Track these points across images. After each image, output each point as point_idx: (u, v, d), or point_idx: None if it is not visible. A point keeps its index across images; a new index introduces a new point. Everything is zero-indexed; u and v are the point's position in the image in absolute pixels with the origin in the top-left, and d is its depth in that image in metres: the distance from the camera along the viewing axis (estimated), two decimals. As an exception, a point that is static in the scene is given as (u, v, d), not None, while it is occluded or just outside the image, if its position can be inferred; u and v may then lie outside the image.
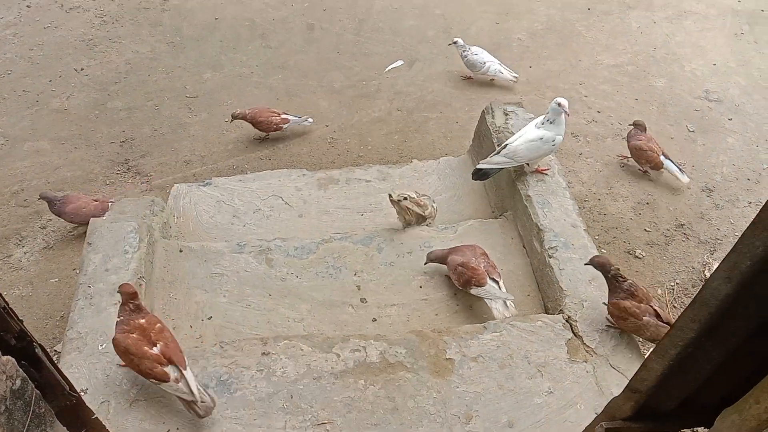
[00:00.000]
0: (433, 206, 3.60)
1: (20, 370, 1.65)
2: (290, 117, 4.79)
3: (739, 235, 1.57)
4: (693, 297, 1.76)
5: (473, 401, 2.49)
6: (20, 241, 4.17)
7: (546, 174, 3.49)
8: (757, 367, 1.66)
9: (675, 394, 1.99)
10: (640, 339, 2.78)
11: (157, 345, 2.44)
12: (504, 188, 3.66)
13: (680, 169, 4.30)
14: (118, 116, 5.20)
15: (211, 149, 4.87)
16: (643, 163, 4.36)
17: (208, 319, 3.06)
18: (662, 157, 4.28)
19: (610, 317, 2.74)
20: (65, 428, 1.95)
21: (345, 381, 2.56)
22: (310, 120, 4.87)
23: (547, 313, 2.92)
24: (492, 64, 5.30)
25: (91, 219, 3.37)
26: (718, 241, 4.02)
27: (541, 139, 3.31)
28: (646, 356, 1.94)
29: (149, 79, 5.59)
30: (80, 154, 4.85)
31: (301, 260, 3.33)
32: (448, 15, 6.36)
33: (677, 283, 3.74)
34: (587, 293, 2.85)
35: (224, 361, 2.61)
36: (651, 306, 2.65)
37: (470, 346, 2.68)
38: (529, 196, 3.34)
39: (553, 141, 3.33)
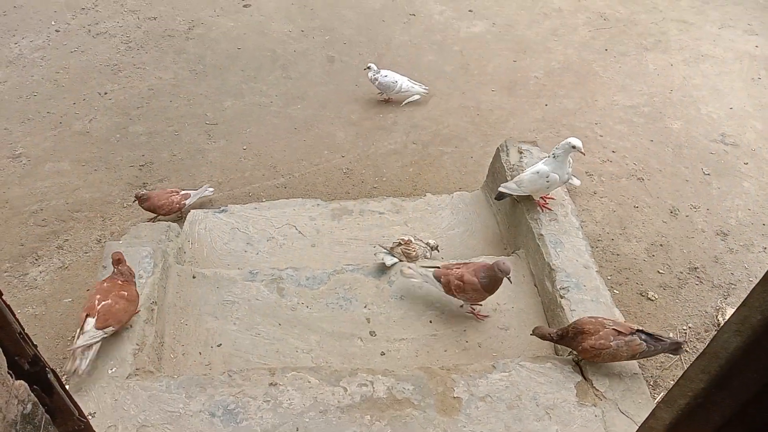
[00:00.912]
0: (424, 248, 3.64)
1: (32, 394, 1.67)
2: (190, 192, 4.43)
3: (753, 284, 1.57)
4: (705, 345, 1.76)
5: (480, 442, 2.47)
6: (36, 260, 4.23)
7: (546, 208, 3.51)
8: (769, 421, 1.64)
9: (684, 444, 1.97)
10: (650, 385, 2.76)
11: (107, 300, 2.73)
12: (517, 226, 3.67)
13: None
14: (138, 140, 5.30)
15: (228, 176, 4.93)
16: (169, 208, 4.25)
17: (218, 346, 3.08)
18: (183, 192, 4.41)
19: (587, 361, 2.77)
20: (72, 453, 1.96)
21: (351, 416, 2.55)
22: (210, 189, 4.56)
23: (557, 355, 2.90)
24: (403, 81, 5.55)
25: (107, 243, 3.43)
26: (732, 286, 3.99)
27: (538, 172, 3.37)
28: (655, 403, 1.92)
29: (170, 105, 5.70)
30: (100, 176, 4.94)
31: (312, 290, 3.35)
32: (465, 52, 6.45)
33: (689, 327, 3.71)
34: (598, 336, 2.83)
35: (232, 390, 2.61)
36: (606, 327, 2.68)
37: (478, 385, 2.66)
38: (542, 235, 3.34)
39: (547, 177, 3.36)
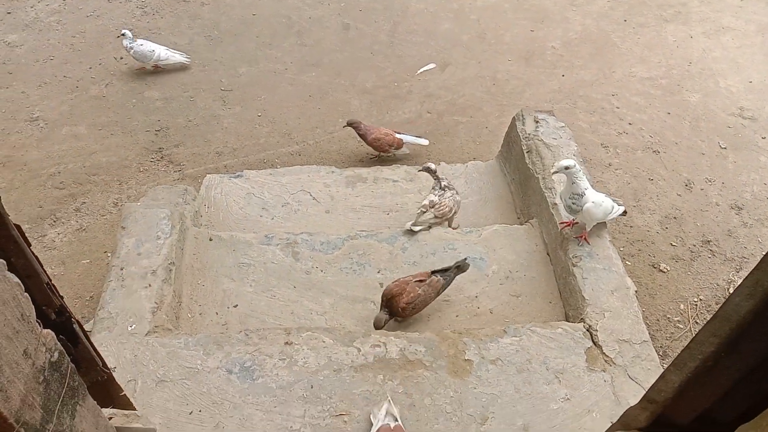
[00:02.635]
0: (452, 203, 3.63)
1: (58, 343, 1.73)
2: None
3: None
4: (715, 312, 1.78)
5: (489, 403, 2.52)
6: (54, 222, 4.30)
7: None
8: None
9: (691, 407, 2.00)
10: (660, 355, 2.80)
11: None
12: (531, 195, 3.68)
13: (417, 136, 4.67)
14: (154, 105, 5.32)
15: (243, 142, 4.96)
16: (387, 148, 4.51)
17: (234, 307, 3.14)
18: (397, 135, 4.53)
19: (406, 317, 3.09)
20: (95, 402, 2.03)
21: (364, 375, 2.61)
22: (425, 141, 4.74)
23: (568, 321, 2.94)
24: (160, 50, 5.47)
25: (125, 205, 3.48)
26: (745, 260, 3.99)
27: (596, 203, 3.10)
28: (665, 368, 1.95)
29: (186, 71, 5.71)
30: (116, 140, 4.98)
31: (326, 255, 3.39)
32: (482, 20, 6.38)
33: (700, 299, 3.73)
34: (609, 303, 2.87)
35: (248, 348, 2.68)
36: (409, 283, 3.00)
37: (489, 348, 2.71)
38: (555, 204, 3.35)
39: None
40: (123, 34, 5.42)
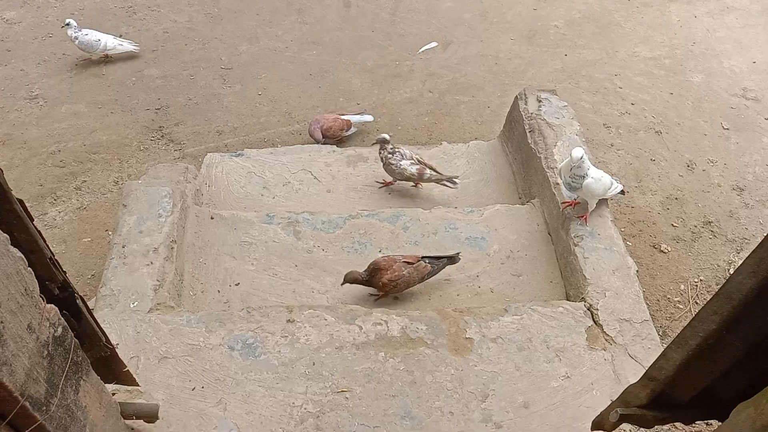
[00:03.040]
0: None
1: (62, 318, 1.73)
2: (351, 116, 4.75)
3: None
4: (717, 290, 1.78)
5: (490, 380, 2.54)
6: (55, 200, 4.30)
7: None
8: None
9: (692, 385, 2.02)
10: (660, 335, 2.81)
11: None
12: (533, 175, 3.67)
13: (361, 113, 4.74)
14: (154, 84, 5.29)
15: (243, 121, 4.94)
16: (340, 133, 4.54)
17: (236, 285, 3.15)
18: (344, 117, 4.58)
19: (385, 294, 3.11)
20: (99, 378, 2.04)
21: (366, 352, 2.63)
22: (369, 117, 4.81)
23: (569, 301, 2.95)
24: (107, 39, 5.33)
25: (126, 183, 3.47)
26: (746, 241, 3.99)
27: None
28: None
29: (186, 49, 5.66)
30: (116, 118, 4.95)
31: (327, 234, 3.39)
32: (485, -1, 6.31)
33: (701, 280, 3.73)
34: (610, 283, 2.87)
35: (250, 326, 2.69)
36: (397, 261, 3.03)
37: (490, 327, 2.72)
38: (557, 184, 3.34)
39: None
40: (67, 24, 5.24)
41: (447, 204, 3.77)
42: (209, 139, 4.79)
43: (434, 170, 3.76)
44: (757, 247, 1.60)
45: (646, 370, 2.01)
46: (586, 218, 3.14)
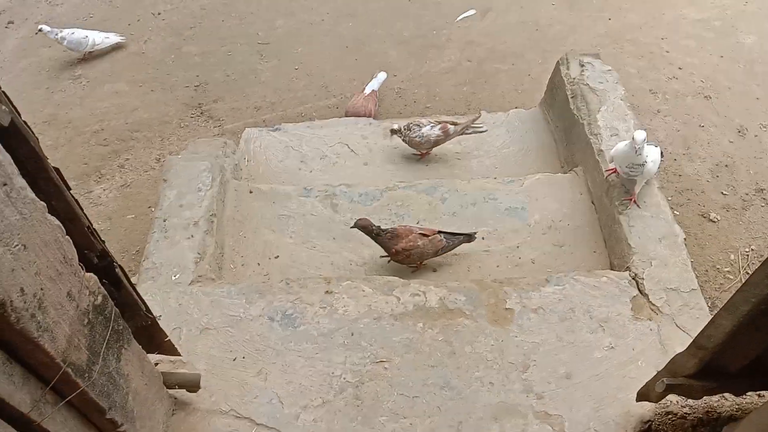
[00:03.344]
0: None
1: (101, 287, 1.76)
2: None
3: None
4: (772, 254, 1.70)
5: (531, 351, 2.50)
6: (99, 178, 4.40)
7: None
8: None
9: (742, 354, 1.93)
10: (709, 302, 2.71)
11: None
12: (575, 143, 3.56)
13: (374, 76, 4.60)
14: (192, 61, 5.33)
15: (281, 96, 4.94)
16: (372, 109, 4.41)
17: (275, 257, 3.17)
18: (366, 93, 4.50)
19: (398, 263, 3.12)
20: (140, 347, 2.08)
21: (404, 323, 2.61)
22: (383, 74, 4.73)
23: (613, 271, 2.86)
24: (93, 35, 5.20)
25: (168, 158, 3.52)
26: (801, 208, 3.81)
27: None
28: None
29: (223, 25, 5.68)
30: (156, 96, 5.02)
31: (365, 207, 3.37)
32: (525, -37, 6.11)
33: (752, 249, 3.58)
34: (656, 251, 2.77)
35: (289, 297, 2.70)
36: (414, 232, 3.02)
37: (531, 297, 2.67)
38: (602, 150, 3.24)
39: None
40: (40, 30, 5.14)
41: (487, 175, 3.70)
42: (247, 115, 4.81)
43: (455, 123, 3.73)
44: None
45: (695, 338, 1.94)
46: (634, 200, 3.00)
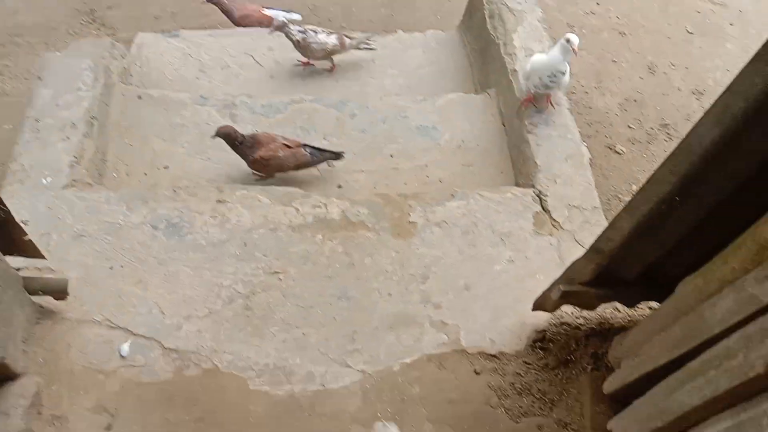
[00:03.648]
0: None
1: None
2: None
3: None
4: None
5: (432, 263, 2.42)
6: (-28, 85, 3.91)
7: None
8: (729, 237, 1.56)
9: (639, 259, 1.91)
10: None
11: None
12: (490, 63, 3.46)
13: (287, 11, 3.99)
14: (84, -39, 4.79)
15: (183, 6, 4.54)
16: (254, 23, 3.92)
17: (165, 168, 2.91)
18: (268, 10, 3.97)
19: (258, 173, 2.95)
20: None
21: (302, 234, 2.46)
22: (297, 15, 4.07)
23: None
24: None
25: (45, 54, 3.13)
26: (701, 144, 3.91)
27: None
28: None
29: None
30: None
31: (267, 119, 3.15)
32: None
33: (654, 181, 3.66)
34: (562, 170, 2.74)
35: (176, 205, 2.48)
36: (276, 141, 2.83)
37: (435, 211, 2.58)
38: (515, 70, 3.15)
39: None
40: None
41: (399, 94, 3.55)
42: (145, 25, 4.39)
43: (350, 37, 3.51)
44: (722, 94, 1.45)
45: (593, 242, 1.90)
46: (550, 101, 2.96)
